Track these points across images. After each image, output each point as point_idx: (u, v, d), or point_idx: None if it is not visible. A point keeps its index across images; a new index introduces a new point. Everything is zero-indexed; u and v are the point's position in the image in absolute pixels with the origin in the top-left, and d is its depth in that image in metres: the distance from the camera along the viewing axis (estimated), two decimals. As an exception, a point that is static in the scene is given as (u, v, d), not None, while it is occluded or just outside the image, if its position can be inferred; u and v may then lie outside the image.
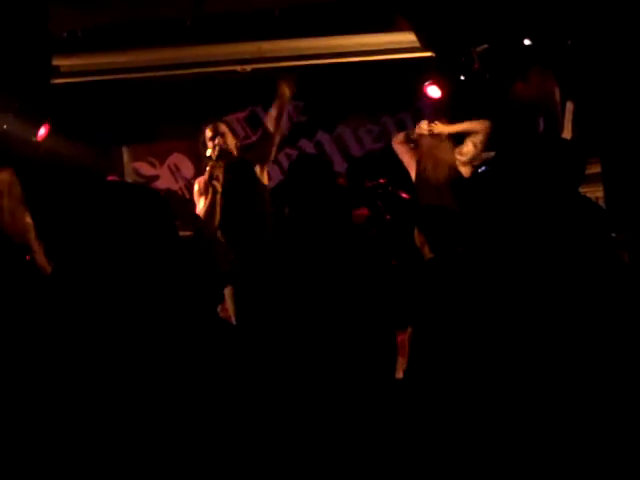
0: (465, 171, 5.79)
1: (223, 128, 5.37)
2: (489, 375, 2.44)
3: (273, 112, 5.58)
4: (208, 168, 5.18)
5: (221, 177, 5.13)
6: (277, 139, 5.58)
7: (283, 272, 2.78)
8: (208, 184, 5.14)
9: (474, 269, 2.54)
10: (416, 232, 3.94)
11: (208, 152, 5.28)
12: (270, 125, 5.57)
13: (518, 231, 2.36)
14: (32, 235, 4.63)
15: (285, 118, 5.64)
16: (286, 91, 5.53)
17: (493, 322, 2.38)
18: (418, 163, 5.98)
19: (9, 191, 4.81)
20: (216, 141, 5.27)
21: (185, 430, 1.98)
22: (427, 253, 3.86)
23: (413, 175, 6.07)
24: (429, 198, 5.68)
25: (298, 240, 2.90)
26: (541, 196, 2.39)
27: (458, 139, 5.91)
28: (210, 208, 5.09)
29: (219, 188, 5.09)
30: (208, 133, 5.33)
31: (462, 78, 6.12)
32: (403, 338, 5.32)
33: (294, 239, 2.93)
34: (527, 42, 5.44)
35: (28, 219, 4.78)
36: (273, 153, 5.59)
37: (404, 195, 6.41)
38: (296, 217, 2.98)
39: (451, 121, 5.95)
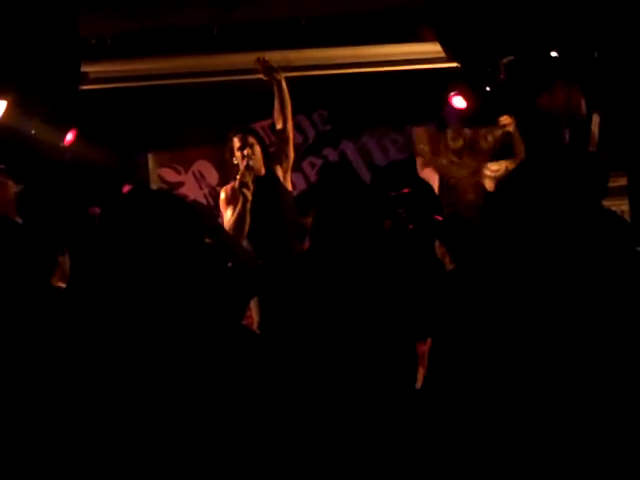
0: (489, 185, 5.76)
1: (252, 139, 5.39)
2: (509, 388, 2.43)
3: (275, 106, 5.58)
4: (238, 176, 5.20)
5: (251, 185, 5.16)
6: (289, 134, 5.55)
7: (307, 281, 2.79)
8: (237, 192, 5.17)
9: (495, 281, 2.54)
10: (437, 243, 3.94)
11: (236, 161, 5.30)
12: (278, 122, 5.57)
13: (541, 243, 2.35)
14: None
15: (289, 108, 5.59)
16: (280, 79, 5.52)
17: (514, 335, 2.38)
18: (441, 177, 5.96)
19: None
20: (245, 152, 5.29)
21: (206, 436, 1.99)
22: (448, 264, 3.86)
23: (436, 187, 6.07)
24: (452, 210, 5.67)
25: (323, 249, 2.91)
26: (565, 208, 2.38)
27: (501, 150, 5.86)
28: (240, 216, 5.12)
29: (249, 196, 5.12)
30: (236, 143, 5.36)
31: (487, 89, 6.12)
32: (423, 349, 5.30)
33: (319, 248, 2.93)
34: (553, 54, 5.43)
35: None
36: (291, 152, 5.57)
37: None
38: (323, 226, 2.98)
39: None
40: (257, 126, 8.25)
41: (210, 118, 7.78)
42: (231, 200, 5.27)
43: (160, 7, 6.10)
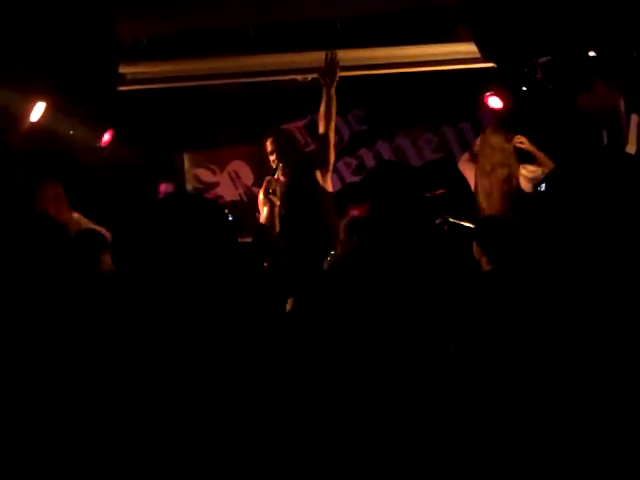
0: (526, 186, 5.70)
1: (282, 141, 5.41)
2: (547, 394, 2.41)
3: (321, 109, 5.57)
4: (264, 183, 5.25)
5: (278, 191, 5.21)
6: (331, 138, 5.55)
7: (345, 282, 2.78)
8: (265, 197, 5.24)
9: (535, 283, 2.51)
10: (474, 244, 3.91)
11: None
12: (321, 125, 5.56)
13: (580, 245, 2.33)
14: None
15: (334, 113, 5.58)
16: (329, 85, 5.51)
17: (551, 339, 2.35)
18: (477, 175, 5.92)
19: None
20: (274, 156, 5.32)
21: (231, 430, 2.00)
22: (485, 265, 3.83)
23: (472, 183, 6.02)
24: (486, 209, 5.63)
25: (376, 247, 2.90)
26: (603, 209, 2.35)
27: (525, 157, 5.81)
28: (268, 221, 5.16)
29: (276, 202, 5.17)
30: (268, 147, 5.39)
31: (524, 89, 6.06)
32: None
33: (372, 246, 2.92)
34: (592, 53, 5.36)
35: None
36: (332, 156, 5.57)
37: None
38: (377, 224, 2.97)
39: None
40: (292, 127, 8.29)
41: (245, 118, 7.83)
42: (264, 202, 5.32)
43: (196, 8, 6.14)
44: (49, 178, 5.39)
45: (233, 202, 8.22)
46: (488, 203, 5.69)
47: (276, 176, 5.26)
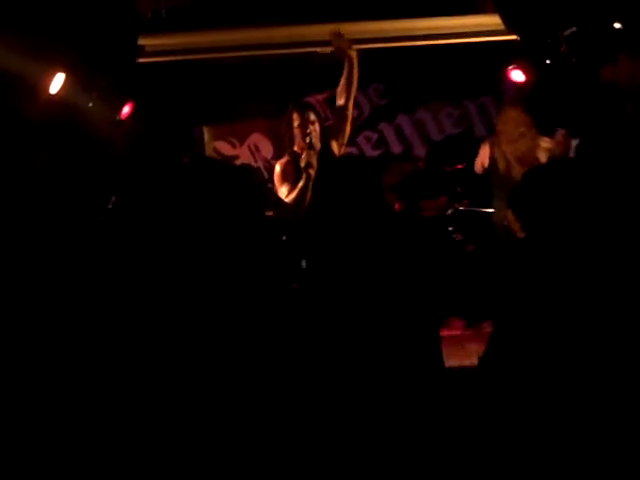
0: (543, 157, 5.64)
1: (312, 116, 5.36)
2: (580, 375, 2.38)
3: (342, 81, 5.51)
4: (304, 156, 5.20)
5: (315, 164, 5.18)
6: (350, 111, 5.48)
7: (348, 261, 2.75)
8: (296, 169, 5.19)
9: (568, 250, 2.48)
10: (509, 212, 3.85)
11: (297, 138, 5.28)
12: (341, 97, 5.50)
13: (606, 216, 2.29)
14: None
15: (355, 85, 5.52)
16: (353, 55, 5.45)
17: (587, 309, 2.32)
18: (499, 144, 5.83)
19: None
20: (309, 129, 5.27)
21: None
22: (519, 232, 3.78)
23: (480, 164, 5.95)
24: (508, 178, 5.61)
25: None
26: (628, 181, 2.32)
27: (544, 128, 5.75)
28: (300, 194, 5.13)
29: (313, 175, 5.13)
30: (296, 119, 5.33)
31: (548, 62, 5.97)
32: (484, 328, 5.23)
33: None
34: (617, 25, 5.27)
35: None
36: (347, 129, 5.51)
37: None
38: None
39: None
40: (312, 99, 8.22)
41: (266, 91, 7.78)
42: (288, 175, 5.27)
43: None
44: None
45: (248, 165, 8.19)
46: (507, 172, 5.65)
47: (309, 150, 5.21)
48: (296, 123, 5.30)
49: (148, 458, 1.96)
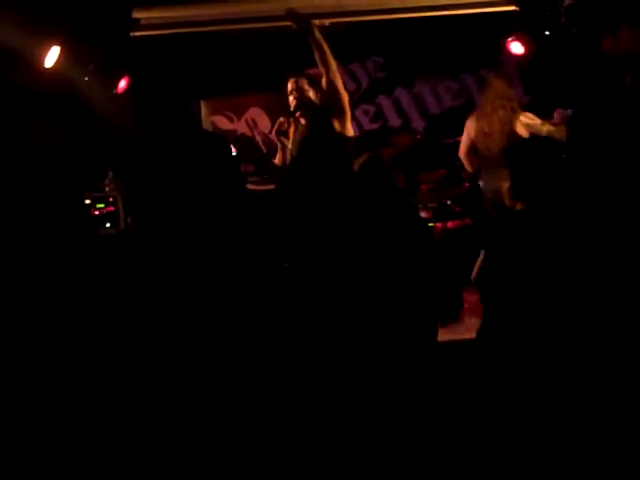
0: (523, 132, 5.60)
1: (303, 83, 5.30)
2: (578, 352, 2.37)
3: (316, 57, 5.39)
4: (276, 125, 5.16)
5: (291, 132, 5.12)
6: (337, 86, 5.38)
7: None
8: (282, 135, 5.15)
9: (567, 222, 2.47)
10: (507, 184, 3.84)
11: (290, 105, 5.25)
12: (322, 74, 5.40)
13: (605, 184, 2.27)
14: None
15: (330, 57, 5.41)
16: (312, 29, 5.32)
17: (587, 279, 2.31)
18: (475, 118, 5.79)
19: None
20: (292, 96, 5.22)
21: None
22: (518, 205, 3.77)
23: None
24: (485, 151, 5.61)
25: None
26: (625, 151, 2.30)
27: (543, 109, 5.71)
28: (281, 164, 5.11)
29: (287, 144, 5.09)
30: (289, 86, 5.29)
31: (547, 33, 5.92)
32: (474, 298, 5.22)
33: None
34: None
35: None
36: (344, 103, 5.42)
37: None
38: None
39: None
40: (312, 73, 8.16)
41: (263, 65, 7.71)
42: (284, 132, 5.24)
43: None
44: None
45: (242, 135, 8.15)
46: (486, 144, 5.63)
47: (284, 119, 5.17)
48: (288, 89, 5.26)
49: (148, 456, 1.95)
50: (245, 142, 8.13)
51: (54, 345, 2.14)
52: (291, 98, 5.23)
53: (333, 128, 5.33)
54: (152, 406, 1.98)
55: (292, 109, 5.18)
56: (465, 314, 5.53)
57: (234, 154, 2.28)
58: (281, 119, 5.17)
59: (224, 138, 2.31)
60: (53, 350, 2.14)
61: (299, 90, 5.24)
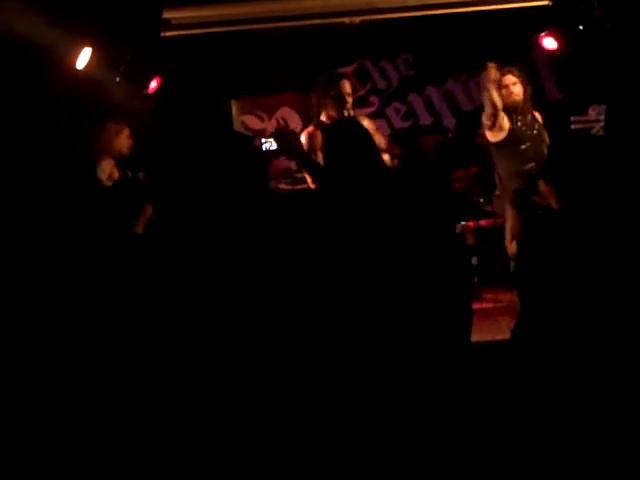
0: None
1: (349, 87, 5.29)
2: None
3: None
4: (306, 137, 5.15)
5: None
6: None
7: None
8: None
9: (605, 221, 2.42)
10: (542, 182, 3.78)
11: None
12: None
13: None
14: None
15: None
16: None
17: (621, 281, 2.27)
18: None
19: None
20: (351, 97, 5.23)
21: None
22: (554, 204, 3.71)
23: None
24: None
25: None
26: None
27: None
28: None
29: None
30: (347, 87, 5.26)
31: (580, 28, 5.84)
32: (512, 298, 5.16)
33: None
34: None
35: None
36: None
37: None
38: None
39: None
40: (341, 71, 8.14)
41: (293, 63, 7.70)
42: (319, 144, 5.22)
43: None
44: (113, 117, 5.55)
45: (280, 130, 8.10)
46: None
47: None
48: (346, 90, 5.23)
49: (148, 455, 1.94)
50: (287, 136, 8.11)
51: (54, 345, 2.14)
52: (349, 99, 5.19)
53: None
54: (163, 406, 1.97)
55: (349, 111, 5.14)
56: (499, 314, 5.48)
57: (270, 149, 2.27)
58: (310, 129, 5.15)
59: (250, 139, 2.29)
60: (53, 350, 2.14)
61: (347, 94, 5.22)
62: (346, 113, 5.12)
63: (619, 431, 2.30)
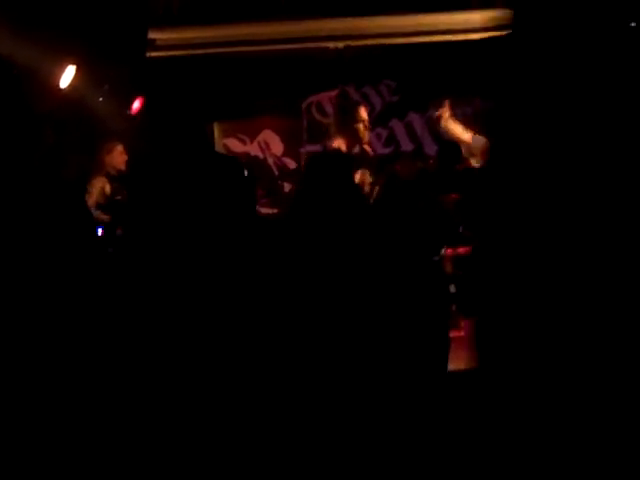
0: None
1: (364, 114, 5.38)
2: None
3: None
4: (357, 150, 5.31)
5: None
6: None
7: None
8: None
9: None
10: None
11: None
12: None
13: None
14: None
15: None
16: None
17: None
18: None
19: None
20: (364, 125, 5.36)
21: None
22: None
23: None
24: None
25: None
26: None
27: None
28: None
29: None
30: (363, 114, 5.33)
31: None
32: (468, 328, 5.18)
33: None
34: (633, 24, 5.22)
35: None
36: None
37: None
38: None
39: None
40: (324, 97, 8.20)
41: (277, 87, 7.74)
42: None
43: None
44: (113, 137, 5.74)
45: (255, 158, 8.19)
46: None
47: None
48: (363, 118, 5.30)
49: (148, 455, 1.93)
50: (256, 165, 8.14)
51: (54, 346, 2.13)
52: (362, 126, 5.26)
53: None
54: (162, 406, 1.97)
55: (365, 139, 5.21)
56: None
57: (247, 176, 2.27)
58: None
59: (237, 160, 2.30)
60: (52, 350, 2.13)
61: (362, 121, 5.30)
62: (363, 139, 5.21)
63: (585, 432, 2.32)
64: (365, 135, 5.24)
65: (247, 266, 2.12)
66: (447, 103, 5.57)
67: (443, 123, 5.65)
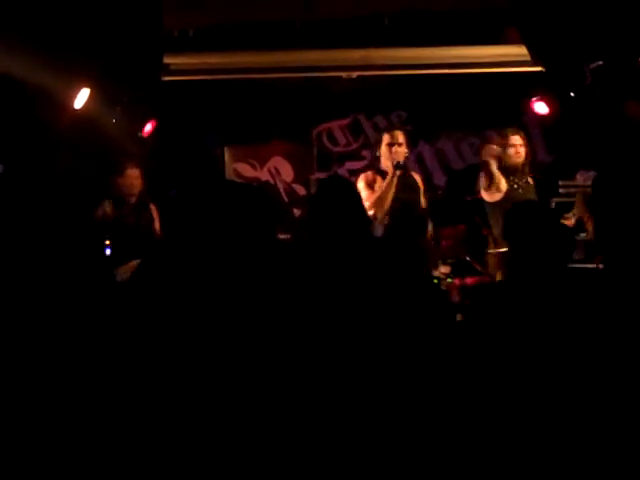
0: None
1: (402, 138, 5.48)
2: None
3: None
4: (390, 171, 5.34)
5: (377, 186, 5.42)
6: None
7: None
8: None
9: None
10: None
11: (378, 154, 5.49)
12: None
13: (622, 244, 2.28)
14: None
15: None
16: None
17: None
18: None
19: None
20: (405, 149, 5.47)
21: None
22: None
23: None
24: None
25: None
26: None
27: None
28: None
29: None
30: (400, 138, 5.46)
31: (572, 94, 5.95)
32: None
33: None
34: (643, 60, 5.26)
35: None
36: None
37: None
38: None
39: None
40: (335, 125, 8.26)
41: (288, 115, 7.80)
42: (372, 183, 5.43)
43: (243, 1, 6.13)
44: (131, 161, 5.87)
45: (267, 183, 8.25)
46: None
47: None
48: (400, 141, 5.39)
49: (148, 455, 1.94)
50: (268, 190, 8.18)
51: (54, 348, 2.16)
52: (404, 150, 5.35)
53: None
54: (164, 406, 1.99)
55: (402, 161, 5.28)
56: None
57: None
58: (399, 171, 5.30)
59: (259, 187, 2.34)
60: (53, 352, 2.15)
61: (399, 145, 5.38)
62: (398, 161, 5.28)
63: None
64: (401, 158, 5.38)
65: (266, 289, 2.14)
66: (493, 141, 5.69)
67: (484, 157, 5.73)
